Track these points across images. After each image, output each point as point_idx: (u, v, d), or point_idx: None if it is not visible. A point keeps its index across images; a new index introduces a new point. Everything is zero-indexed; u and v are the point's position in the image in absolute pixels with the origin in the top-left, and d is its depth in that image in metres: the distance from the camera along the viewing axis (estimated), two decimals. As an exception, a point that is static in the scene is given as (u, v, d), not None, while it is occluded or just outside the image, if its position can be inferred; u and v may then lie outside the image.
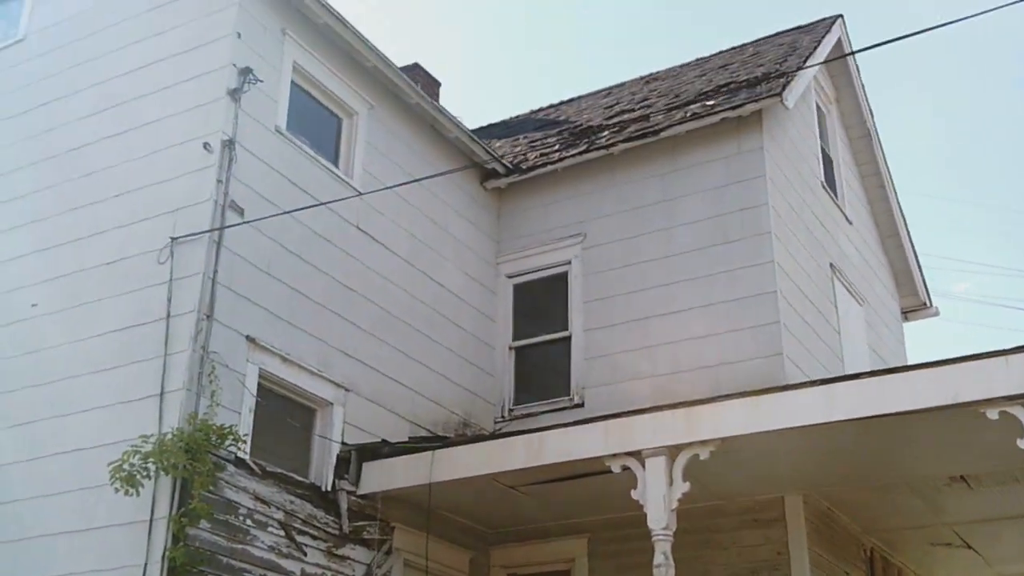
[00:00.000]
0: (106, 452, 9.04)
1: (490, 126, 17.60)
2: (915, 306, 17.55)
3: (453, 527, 11.54)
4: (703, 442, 8.90)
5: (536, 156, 14.08)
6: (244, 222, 9.94)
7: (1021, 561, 14.27)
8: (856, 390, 8.47)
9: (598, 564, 11.66)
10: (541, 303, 13.43)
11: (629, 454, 9.20)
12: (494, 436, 10.56)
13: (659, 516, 8.88)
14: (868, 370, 12.22)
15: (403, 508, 10.89)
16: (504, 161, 13.98)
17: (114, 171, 10.49)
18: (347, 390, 10.78)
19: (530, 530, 11.93)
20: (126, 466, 8.56)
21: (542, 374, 13.05)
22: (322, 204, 10.77)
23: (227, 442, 9.00)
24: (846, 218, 14.97)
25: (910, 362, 15.95)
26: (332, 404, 10.61)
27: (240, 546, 9.17)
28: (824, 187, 14.31)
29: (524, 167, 13.81)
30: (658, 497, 8.93)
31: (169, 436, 8.72)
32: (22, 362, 10.23)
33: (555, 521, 11.68)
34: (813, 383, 8.93)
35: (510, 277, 13.65)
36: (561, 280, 13.21)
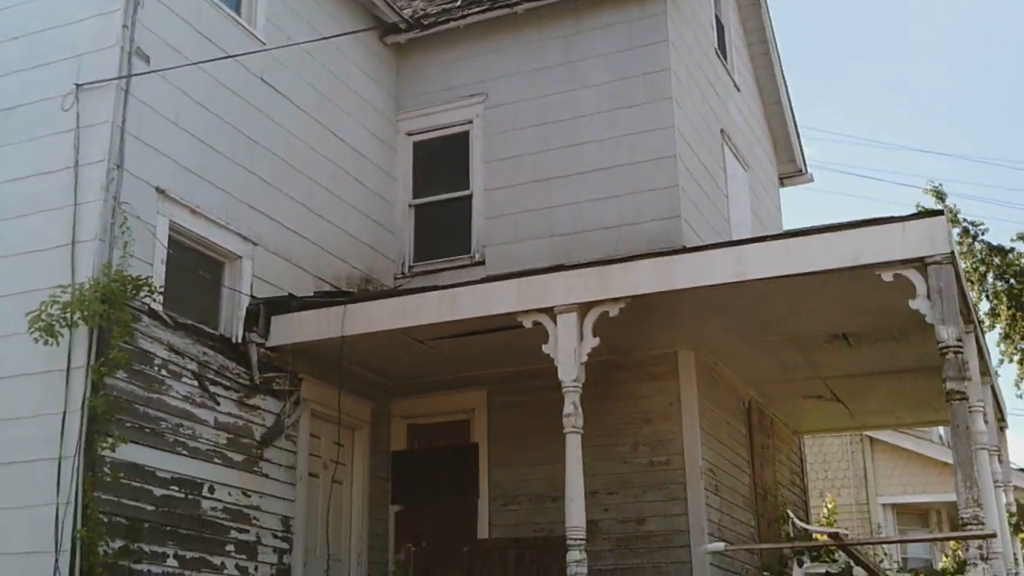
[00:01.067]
0: (16, 301, 8.96)
1: (382, -22, 17.17)
2: (791, 172, 18.19)
3: (356, 379, 11.76)
4: (614, 299, 9.27)
5: (438, 12, 13.90)
6: (152, 71, 9.69)
7: (881, 413, 15.46)
8: (765, 251, 8.93)
9: (497, 415, 12.11)
10: (442, 162, 13.44)
11: (541, 310, 9.53)
12: (408, 291, 10.72)
13: (569, 369, 9.28)
14: (758, 235, 12.81)
15: (311, 361, 11.08)
16: (404, 15, 13.77)
17: (11, 12, 10.02)
18: (254, 244, 10.77)
19: (431, 382, 12.25)
20: (44, 316, 8.49)
21: (442, 232, 13.15)
22: (231, 57, 10.54)
23: (142, 293, 9.00)
24: (735, 85, 15.34)
25: (786, 228, 16.68)
26: (240, 257, 10.60)
27: (156, 395, 9.25)
28: (717, 53, 14.60)
29: (425, 23, 13.63)
30: (569, 351, 9.31)
31: (87, 286, 8.65)
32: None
33: (455, 374, 12.03)
34: (723, 244, 9.35)
35: (410, 135, 13.61)
36: (462, 139, 13.23)
